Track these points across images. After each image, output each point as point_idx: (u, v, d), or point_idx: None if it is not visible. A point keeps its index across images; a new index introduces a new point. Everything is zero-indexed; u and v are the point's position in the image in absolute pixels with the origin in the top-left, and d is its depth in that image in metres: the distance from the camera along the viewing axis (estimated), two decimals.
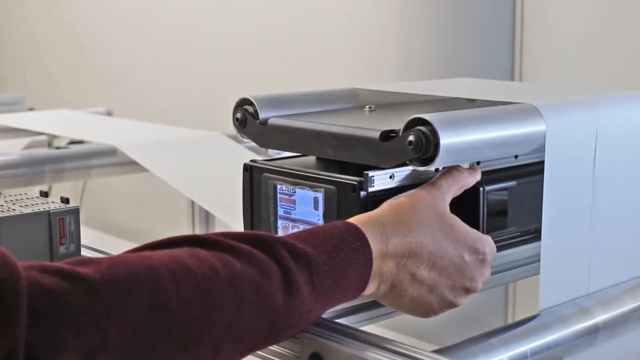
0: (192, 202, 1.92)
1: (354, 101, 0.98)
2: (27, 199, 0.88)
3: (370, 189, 0.77)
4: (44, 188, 1.64)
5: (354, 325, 0.73)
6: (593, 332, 0.81)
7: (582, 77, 1.75)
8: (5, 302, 0.53)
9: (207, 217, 1.92)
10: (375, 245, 0.70)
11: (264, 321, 0.63)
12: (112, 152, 1.72)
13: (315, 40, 2.30)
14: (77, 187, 2.50)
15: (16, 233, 0.83)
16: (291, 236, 0.68)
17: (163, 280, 0.59)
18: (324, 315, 0.71)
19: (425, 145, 0.73)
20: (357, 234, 0.69)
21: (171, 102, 2.75)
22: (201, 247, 0.63)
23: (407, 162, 0.75)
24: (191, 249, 0.63)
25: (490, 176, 0.84)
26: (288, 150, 0.88)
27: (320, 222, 0.80)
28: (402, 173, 0.79)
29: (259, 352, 0.69)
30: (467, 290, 0.75)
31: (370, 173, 0.77)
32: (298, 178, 0.82)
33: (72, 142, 1.85)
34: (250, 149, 1.67)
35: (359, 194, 0.76)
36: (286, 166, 0.84)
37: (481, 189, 0.82)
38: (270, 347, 0.70)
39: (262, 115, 0.88)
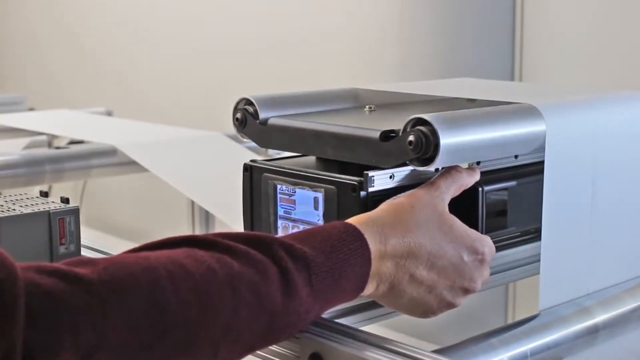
0: (192, 202, 1.92)
1: (354, 101, 0.98)
2: (27, 199, 0.88)
3: (370, 189, 0.77)
4: (44, 188, 1.64)
5: (353, 325, 0.73)
6: (593, 332, 0.80)
7: (582, 77, 1.75)
8: (3, 303, 0.53)
9: (207, 217, 1.92)
10: (374, 246, 0.70)
11: (262, 322, 0.63)
12: (112, 152, 1.72)
13: (315, 40, 2.30)
14: (77, 187, 2.50)
15: (16, 233, 0.82)
16: (290, 236, 0.68)
17: (161, 280, 0.59)
18: (324, 315, 0.71)
19: (425, 145, 0.73)
20: (356, 235, 0.69)
21: (171, 102, 2.75)
22: (199, 248, 0.63)
23: (407, 162, 0.75)
24: (189, 250, 0.63)
25: (489, 176, 0.84)
26: (288, 150, 0.88)
27: (320, 222, 0.80)
28: (402, 173, 0.79)
29: (258, 352, 0.69)
30: (466, 291, 0.75)
31: (370, 173, 0.77)
32: (298, 178, 0.82)
33: (72, 142, 1.85)
34: (250, 149, 1.67)
35: (359, 194, 0.76)
36: (286, 166, 0.84)
37: (480, 189, 0.82)
38: (270, 347, 0.70)
39: (262, 115, 0.88)
